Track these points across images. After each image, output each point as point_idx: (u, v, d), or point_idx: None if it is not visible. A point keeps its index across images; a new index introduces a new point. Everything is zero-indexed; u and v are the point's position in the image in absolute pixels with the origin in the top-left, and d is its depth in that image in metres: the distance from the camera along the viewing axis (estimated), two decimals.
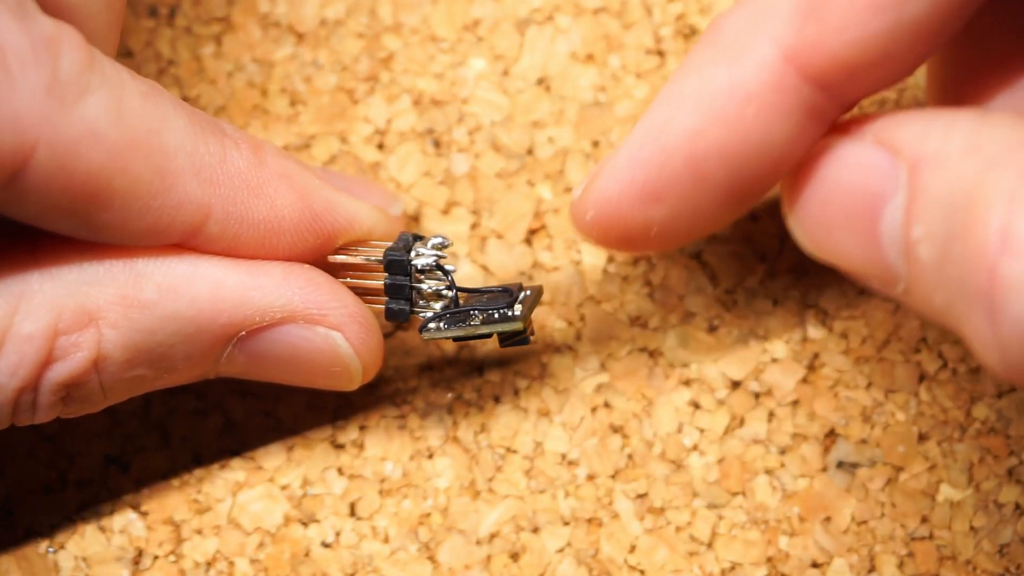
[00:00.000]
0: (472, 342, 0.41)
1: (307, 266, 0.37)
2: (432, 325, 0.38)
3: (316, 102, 0.43)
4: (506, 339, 0.39)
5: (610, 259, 0.42)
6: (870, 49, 0.29)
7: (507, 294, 0.39)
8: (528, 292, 0.39)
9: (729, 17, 0.32)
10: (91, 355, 0.35)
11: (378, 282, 0.38)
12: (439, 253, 0.38)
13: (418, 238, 0.38)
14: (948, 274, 0.29)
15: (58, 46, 0.32)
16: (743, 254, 0.42)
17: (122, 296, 0.35)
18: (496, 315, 0.38)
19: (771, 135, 0.31)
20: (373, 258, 0.38)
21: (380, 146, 0.43)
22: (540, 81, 0.43)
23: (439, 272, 0.38)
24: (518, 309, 0.38)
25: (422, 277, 0.38)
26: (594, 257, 0.42)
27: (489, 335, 0.38)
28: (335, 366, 0.37)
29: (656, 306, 0.42)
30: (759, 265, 0.42)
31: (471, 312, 0.38)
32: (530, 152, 0.43)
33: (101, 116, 0.32)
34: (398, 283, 0.38)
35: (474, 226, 0.42)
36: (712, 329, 0.42)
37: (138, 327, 0.35)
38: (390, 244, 0.38)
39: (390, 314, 0.38)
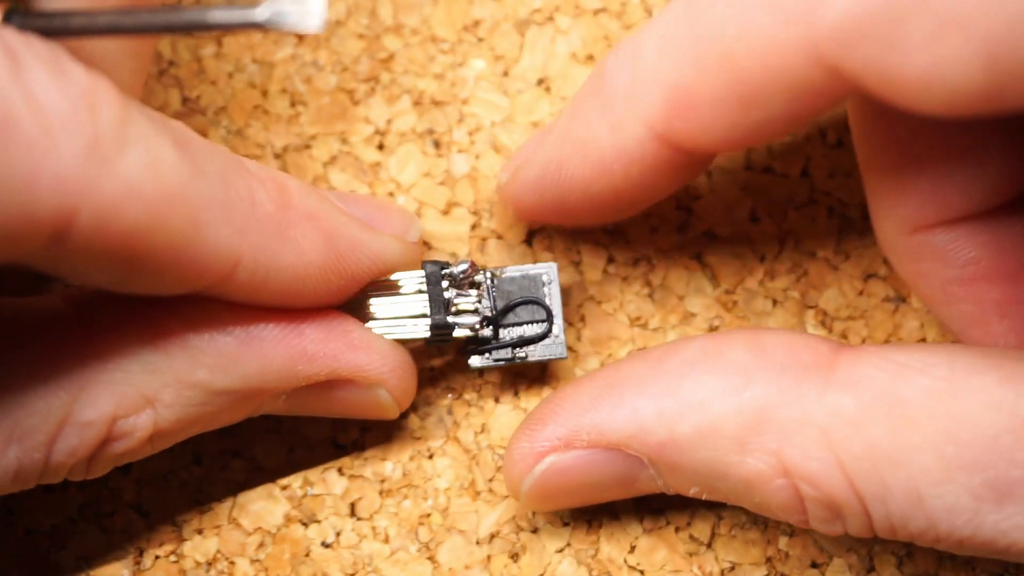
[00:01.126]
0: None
1: (345, 321, 0.38)
2: (476, 357, 0.39)
3: (316, 102, 0.43)
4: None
5: (610, 259, 0.42)
6: (729, 141, 0.35)
7: (540, 307, 0.39)
8: (550, 283, 0.39)
9: (613, 75, 0.36)
10: (147, 433, 0.36)
11: (413, 311, 0.39)
12: (477, 296, 0.39)
13: (444, 266, 0.39)
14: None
15: (96, 99, 0.31)
16: (743, 254, 0.42)
17: (177, 380, 0.36)
18: (539, 348, 0.39)
19: (649, 181, 0.37)
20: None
21: (380, 146, 0.43)
22: (540, 82, 0.43)
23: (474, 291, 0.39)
24: (558, 332, 0.39)
25: (457, 303, 0.39)
26: (594, 257, 0.42)
27: (537, 363, 0.40)
28: (375, 412, 0.39)
29: (656, 306, 0.42)
30: (759, 265, 0.42)
31: (516, 348, 0.39)
32: None
33: (140, 172, 0.32)
34: (442, 323, 0.39)
35: (474, 226, 0.42)
36: (712, 329, 0.42)
37: (191, 403, 0.36)
38: (419, 278, 0.38)
39: (433, 342, 0.39)
